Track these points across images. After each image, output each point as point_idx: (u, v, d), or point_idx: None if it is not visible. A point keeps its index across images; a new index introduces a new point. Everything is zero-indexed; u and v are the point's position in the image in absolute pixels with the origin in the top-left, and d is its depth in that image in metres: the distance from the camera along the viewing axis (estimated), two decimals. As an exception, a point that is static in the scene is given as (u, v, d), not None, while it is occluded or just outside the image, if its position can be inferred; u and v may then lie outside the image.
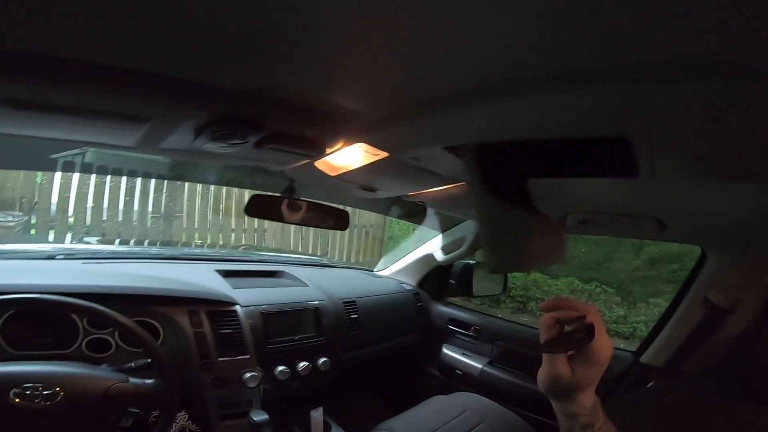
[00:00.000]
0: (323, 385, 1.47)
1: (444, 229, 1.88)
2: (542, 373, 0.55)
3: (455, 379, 1.83)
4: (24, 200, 3.55)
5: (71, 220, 3.70)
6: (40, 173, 3.64)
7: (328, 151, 0.68)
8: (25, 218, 3.45)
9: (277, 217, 1.00)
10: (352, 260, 4.99)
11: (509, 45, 0.36)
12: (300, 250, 4.76)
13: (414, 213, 1.89)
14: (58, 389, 0.77)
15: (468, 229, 1.77)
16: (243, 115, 0.53)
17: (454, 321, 1.94)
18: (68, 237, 3.61)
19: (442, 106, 0.52)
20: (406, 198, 1.15)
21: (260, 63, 0.45)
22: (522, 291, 5.27)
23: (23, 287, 0.91)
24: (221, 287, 1.29)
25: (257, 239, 4.61)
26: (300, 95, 0.52)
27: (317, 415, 1.34)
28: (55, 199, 3.65)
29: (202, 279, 1.30)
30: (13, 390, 0.74)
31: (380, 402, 2.11)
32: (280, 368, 1.27)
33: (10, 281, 0.93)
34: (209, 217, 4.37)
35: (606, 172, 0.59)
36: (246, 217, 4.55)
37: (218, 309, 1.19)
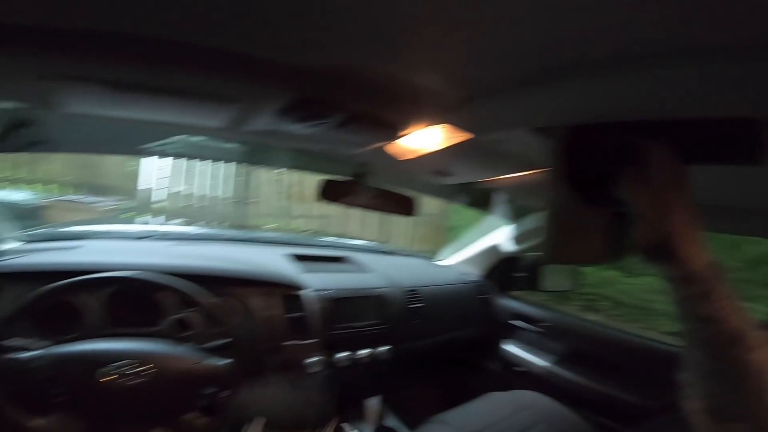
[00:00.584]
0: (381, 374, 1.46)
1: (515, 218, 1.77)
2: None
3: (515, 376, 1.75)
4: (120, 186, 3.99)
5: (160, 204, 4.12)
6: (133, 162, 4.08)
7: (408, 131, 0.64)
8: (122, 202, 3.88)
9: (348, 202, 0.99)
10: (413, 248, 4.97)
11: (617, 16, 0.32)
12: (362, 236, 4.84)
13: (482, 201, 1.80)
14: (145, 368, 0.80)
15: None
16: (328, 95, 0.51)
17: (519, 315, 1.84)
18: (157, 220, 3.99)
19: (537, 83, 0.47)
20: (478, 184, 1.08)
21: (347, 42, 0.43)
22: (592, 288, 4.89)
23: (123, 265, 0.99)
24: (292, 271, 1.32)
25: (321, 225, 4.77)
26: (384, 76, 0.50)
27: (373, 403, 1.33)
28: (146, 185, 4.08)
29: (275, 262, 1.34)
30: (103, 368, 0.78)
31: (435, 394, 2.06)
32: (342, 355, 1.28)
33: (110, 260, 1.02)
34: (278, 203, 4.60)
35: (723, 157, 0.49)
36: (311, 204, 4.73)
37: (289, 293, 1.22)
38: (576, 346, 1.62)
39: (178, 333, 1.04)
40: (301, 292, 1.24)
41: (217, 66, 0.45)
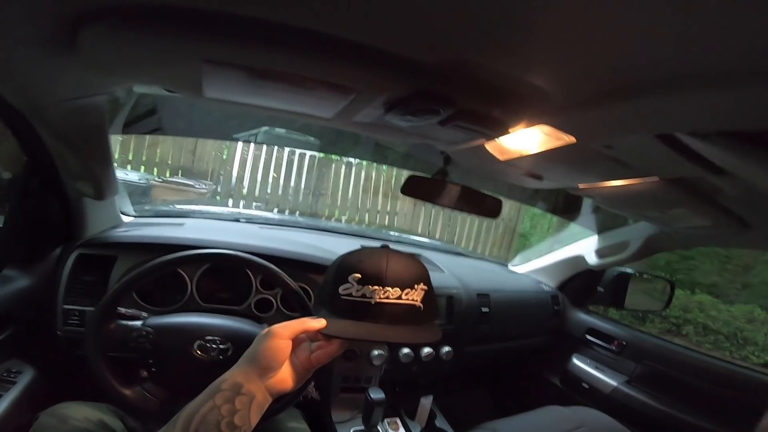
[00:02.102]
0: (441, 374, 1.44)
1: (602, 229, 1.64)
2: None
3: (579, 393, 1.64)
4: (213, 171, 4.41)
5: (245, 191, 4.47)
6: (225, 150, 4.48)
7: (509, 130, 0.62)
8: (213, 187, 4.28)
9: (431, 199, 0.99)
10: (479, 251, 4.83)
11: (730, 30, 0.33)
12: (430, 235, 4.83)
13: (568, 207, 1.69)
14: (229, 344, 0.83)
15: (636, 232, 1.50)
16: (438, 90, 0.51)
17: (594, 331, 1.72)
18: (242, 204, 4.34)
19: (649, 91, 0.46)
20: (572, 190, 1.01)
21: (459, 37, 0.43)
22: (679, 311, 4.36)
23: (218, 243, 1.08)
24: None
25: (389, 220, 4.85)
26: (495, 73, 0.49)
27: (426, 402, 1.31)
28: (235, 172, 4.45)
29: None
30: (198, 340, 0.81)
31: (491, 400, 2.03)
32: (405, 351, 1.27)
33: (207, 237, 1.12)
34: (350, 196, 4.76)
35: None
36: (380, 198, 4.82)
37: None
38: (655, 368, 1.49)
39: (256, 314, 1.11)
40: None
41: (339, 54, 0.46)
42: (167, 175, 4.20)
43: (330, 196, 4.72)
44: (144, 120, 1.31)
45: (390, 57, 0.46)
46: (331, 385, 1.23)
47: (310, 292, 1.18)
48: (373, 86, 0.53)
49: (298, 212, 4.60)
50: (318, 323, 0.56)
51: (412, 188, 0.99)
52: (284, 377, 0.56)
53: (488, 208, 1.05)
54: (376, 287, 0.53)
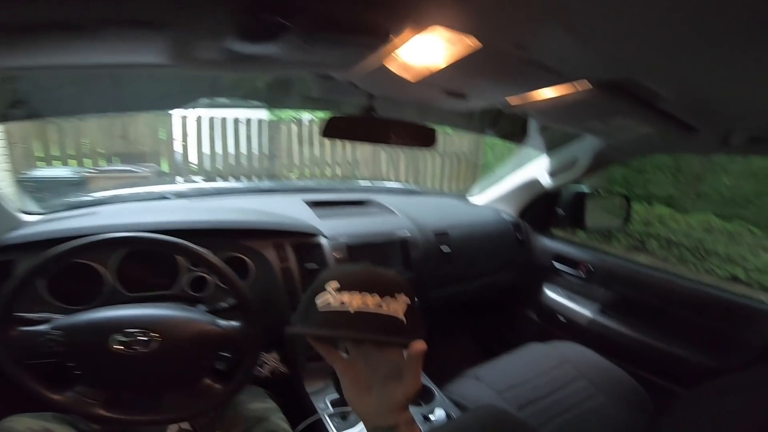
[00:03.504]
0: None
1: (551, 148, 1.59)
2: None
3: (557, 327, 1.63)
4: (153, 152, 4.11)
5: (194, 166, 4.22)
6: (161, 129, 4.17)
7: (394, 38, 0.51)
8: (157, 168, 4.01)
9: (357, 138, 0.91)
10: (445, 189, 4.83)
11: None
12: (392, 178, 4.77)
13: (514, 131, 1.62)
14: (154, 335, 0.76)
15: (583, 147, 1.45)
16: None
17: (560, 257, 1.68)
18: (189, 181, 4.12)
19: None
20: (506, 109, 0.93)
21: None
22: (642, 226, 4.54)
23: (130, 226, 0.96)
24: (307, 218, 1.25)
25: (350, 171, 4.74)
26: None
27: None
28: (179, 149, 4.17)
29: (289, 210, 1.28)
30: (113, 335, 0.74)
31: (468, 346, 1.98)
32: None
33: (120, 221, 1.00)
34: (306, 153, 4.58)
35: None
36: (339, 150, 4.65)
37: (303, 241, 1.16)
38: (625, 293, 1.48)
39: (191, 295, 1.02)
40: (317, 240, 1.19)
41: None
42: (103, 164, 3.90)
43: (285, 157, 4.52)
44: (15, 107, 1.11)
45: None
46: (297, 356, 1.18)
47: (247, 261, 1.10)
48: (182, 14, 0.41)
49: (255, 178, 4.41)
50: None
51: (334, 129, 0.89)
52: None
53: (422, 138, 0.98)
54: (355, 294, 0.48)
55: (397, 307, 0.48)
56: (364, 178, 4.67)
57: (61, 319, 0.77)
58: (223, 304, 0.90)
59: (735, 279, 4.02)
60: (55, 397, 0.73)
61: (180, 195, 1.40)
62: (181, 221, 1.03)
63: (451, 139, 4.98)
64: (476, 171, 5.01)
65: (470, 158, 5.07)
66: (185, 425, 0.96)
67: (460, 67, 0.60)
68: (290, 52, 0.51)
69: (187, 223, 1.03)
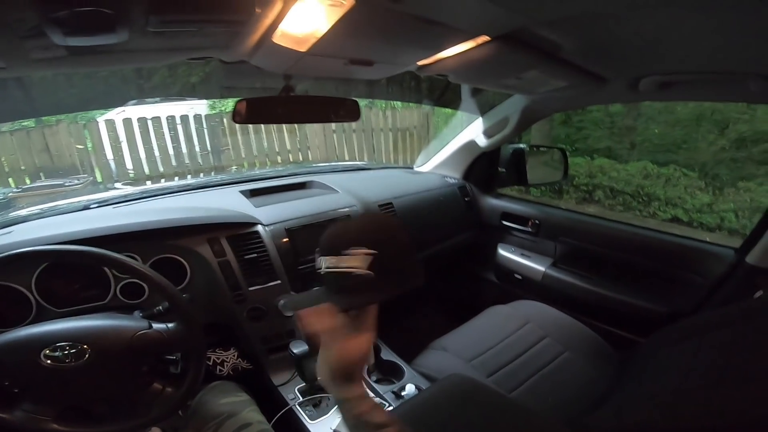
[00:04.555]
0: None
1: (484, 110, 1.62)
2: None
3: (515, 285, 1.65)
4: (82, 162, 3.82)
5: (131, 172, 3.96)
6: (87, 138, 3.87)
7: (262, 11, 0.49)
8: (90, 178, 3.73)
9: (275, 118, 0.88)
10: (400, 163, 4.85)
11: None
12: (346, 159, 4.72)
13: (447, 97, 1.64)
14: (84, 346, 0.75)
15: (511, 106, 1.49)
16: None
17: (508, 215, 1.71)
18: (125, 187, 3.87)
19: None
20: (418, 71, 0.93)
21: None
22: (587, 179, 4.77)
23: (46, 239, 0.90)
24: (242, 208, 1.21)
25: (302, 156, 4.64)
26: None
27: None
28: (111, 155, 3.89)
29: (223, 203, 1.24)
30: (44, 351, 0.72)
31: (434, 315, 1.98)
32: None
33: (34, 236, 0.93)
34: (253, 143, 4.42)
35: None
36: (287, 136, 4.52)
37: (238, 232, 1.12)
38: (572, 244, 1.51)
39: (126, 302, 0.99)
40: (253, 229, 1.15)
41: None
42: (27, 182, 3.59)
43: (232, 150, 4.34)
44: None
45: None
46: (256, 350, 1.16)
47: (182, 261, 1.06)
48: None
49: (202, 175, 4.22)
50: None
51: (246, 113, 0.86)
52: None
53: (344, 111, 0.96)
54: (325, 256, 0.50)
55: (354, 262, 0.47)
56: (317, 162, 4.58)
57: None
58: (159, 308, 0.88)
59: (677, 220, 4.31)
60: (5, 416, 0.73)
61: (104, 203, 1.31)
62: (102, 228, 0.97)
63: (402, 114, 4.96)
64: (428, 143, 5.05)
65: (421, 132, 5.09)
66: (156, 430, 0.95)
67: (345, 31, 0.58)
68: (143, 39, 0.47)
69: (108, 229, 0.97)
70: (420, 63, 0.84)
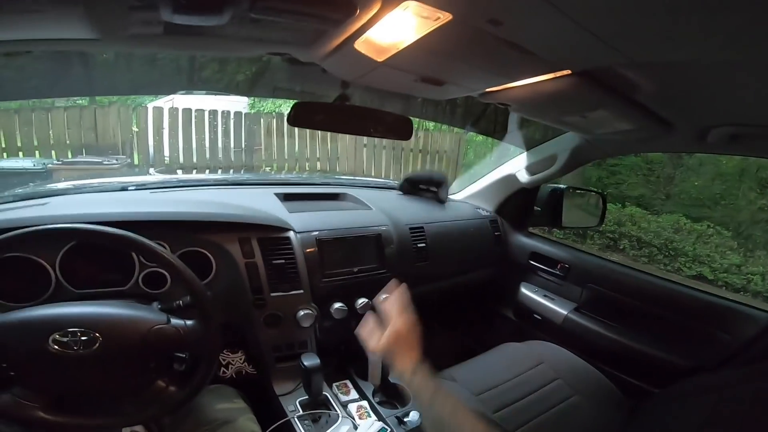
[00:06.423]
0: None
1: (531, 145, 1.57)
2: None
3: (533, 325, 1.61)
4: (124, 144, 3.95)
5: (167, 159, 4.07)
6: (134, 121, 4.01)
7: (362, 13, 0.47)
8: (127, 160, 3.85)
9: (325, 126, 0.87)
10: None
11: None
12: (373, 175, 4.73)
13: (495, 127, 1.60)
14: (96, 334, 0.70)
15: (562, 144, 1.44)
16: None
17: (536, 255, 1.66)
18: (163, 173, 3.97)
19: None
20: (485, 99, 0.90)
21: None
22: (614, 226, 4.65)
23: (80, 217, 0.87)
24: (276, 211, 1.19)
25: (330, 165, 4.68)
26: None
27: (375, 358, 1.15)
28: (151, 141, 4.02)
29: (258, 203, 1.22)
30: (53, 336, 0.68)
31: (447, 345, 1.93)
32: (337, 305, 1.15)
33: (70, 212, 0.92)
34: (285, 147, 4.49)
35: None
36: (319, 144, 4.57)
37: (271, 235, 1.10)
38: (600, 292, 1.46)
39: (146, 291, 0.96)
40: (285, 234, 1.12)
41: None
42: (69, 156, 3.71)
43: (264, 151, 4.42)
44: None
45: None
46: (264, 358, 1.12)
47: (209, 256, 1.03)
48: None
49: (232, 171, 4.30)
50: None
51: (301, 117, 0.85)
52: None
53: (397, 129, 0.94)
54: None
55: None
56: (344, 174, 4.60)
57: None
58: (180, 302, 0.83)
59: (701, 277, 4.14)
60: None
61: (142, 186, 1.31)
62: (136, 213, 0.96)
63: (434, 137, 4.98)
64: (457, 169, 5.03)
65: (451, 156, 5.08)
66: (138, 428, 0.90)
67: (430, 46, 0.56)
68: (238, 26, 0.45)
69: (142, 214, 0.95)
70: (489, 90, 0.81)
